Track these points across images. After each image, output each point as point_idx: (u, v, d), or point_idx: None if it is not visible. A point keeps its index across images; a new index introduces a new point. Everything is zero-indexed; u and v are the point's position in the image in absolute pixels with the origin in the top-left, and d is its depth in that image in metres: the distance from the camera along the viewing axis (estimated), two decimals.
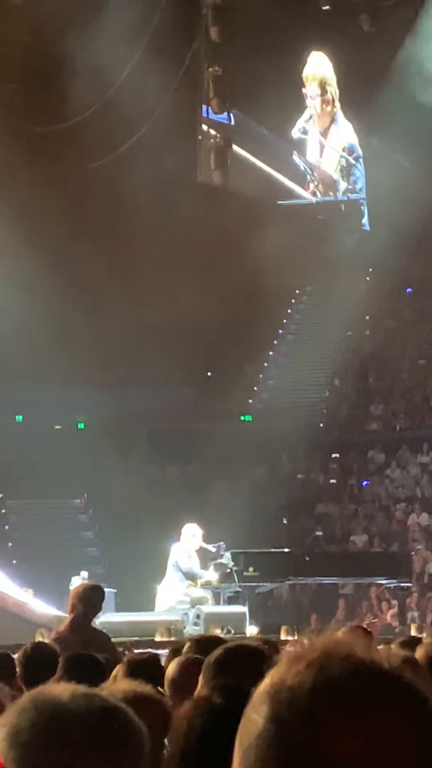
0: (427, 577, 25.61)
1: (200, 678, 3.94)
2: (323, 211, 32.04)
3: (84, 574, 18.35)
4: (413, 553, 25.47)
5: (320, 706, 1.31)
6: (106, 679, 5.53)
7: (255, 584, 18.72)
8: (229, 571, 17.93)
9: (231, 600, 18.05)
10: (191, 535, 17.54)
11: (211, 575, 17.81)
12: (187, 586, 17.27)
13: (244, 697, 1.40)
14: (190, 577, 17.31)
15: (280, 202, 31.00)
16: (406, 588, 22.11)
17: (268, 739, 1.32)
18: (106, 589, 19.01)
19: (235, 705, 3.01)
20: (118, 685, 3.98)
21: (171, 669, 5.62)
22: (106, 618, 16.96)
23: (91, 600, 9.57)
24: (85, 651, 7.14)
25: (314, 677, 1.33)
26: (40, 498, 28.17)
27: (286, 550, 22.00)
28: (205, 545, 17.77)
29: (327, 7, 28.79)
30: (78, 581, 17.82)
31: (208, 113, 29.40)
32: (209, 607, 17.27)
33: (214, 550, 18.03)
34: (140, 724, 1.70)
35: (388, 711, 1.32)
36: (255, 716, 1.34)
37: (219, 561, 18.01)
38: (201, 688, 3.73)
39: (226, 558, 18.03)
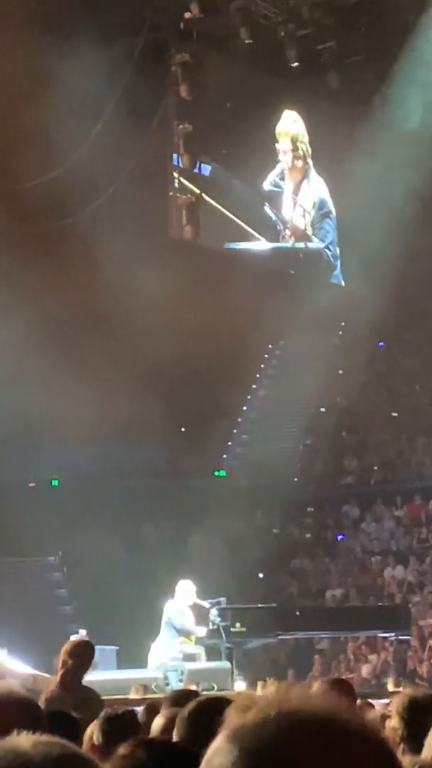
0: None
1: (174, 731, 4.06)
2: (294, 265, 32.10)
3: (83, 632, 18.07)
4: (410, 605, 25.20)
5: (291, 737, 1.32)
6: (81, 735, 5.51)
7: (242, 640, 18.44)
8: (215, 627, 17.71)
9: (227, 656, 17.80)
10: (184, 591, 17.37)
11: (205, 631, 17.61)
12: (181, 643, 17.06)
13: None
14: (184, 633, 17.10)
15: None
16: (405, 641, 21.84)
17: None
18: (107, 647, 18.85)
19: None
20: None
21: (158, 722, 5.68)
22: (92, 676, 16.75)
23: (82, 655, 9.29)
24: (76, 710, 6.81)
25: (279, 712, 1.34)
26: (13, 556, 27.90)
27: (274, 605, 21.76)
28: (199, 601, 17.57)
29: (296, 64, 28.98)
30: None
31: (179, 162, 29.44)
32: (192, 664, 17.06)
33: (208, 606, 17.80)
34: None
35: (355, 742, 1.35)
36: (220, 760, 1.34)
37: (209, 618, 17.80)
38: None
39: (212, 614, 17.79)
